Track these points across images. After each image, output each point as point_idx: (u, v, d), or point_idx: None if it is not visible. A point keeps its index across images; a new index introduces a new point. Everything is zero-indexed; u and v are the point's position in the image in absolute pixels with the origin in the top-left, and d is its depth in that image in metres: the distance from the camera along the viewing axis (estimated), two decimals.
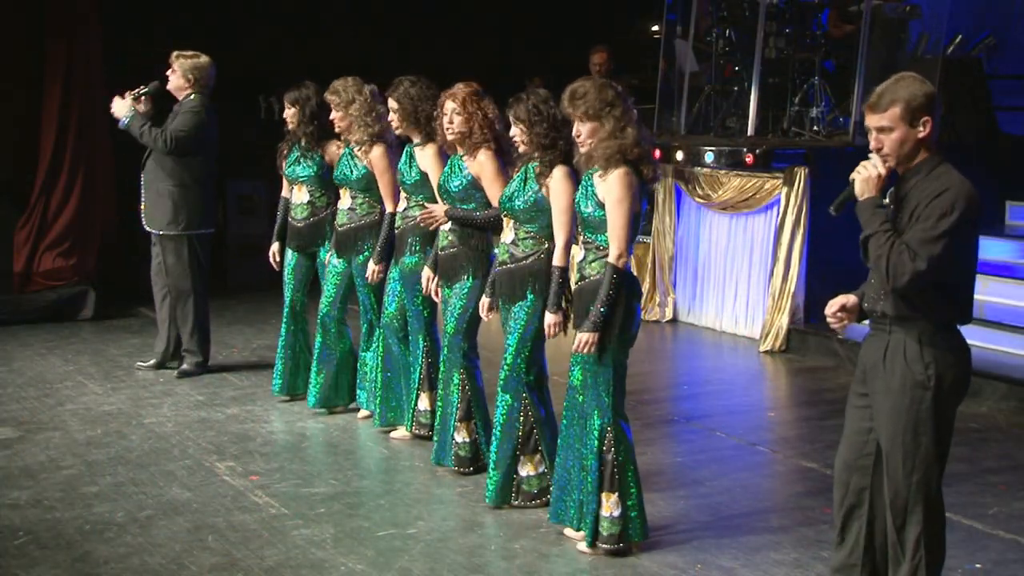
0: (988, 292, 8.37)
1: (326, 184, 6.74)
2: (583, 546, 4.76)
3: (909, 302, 3.80)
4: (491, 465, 5.26)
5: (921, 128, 3.79)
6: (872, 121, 3.81)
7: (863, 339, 4.05)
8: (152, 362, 7.71)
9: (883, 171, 3.80)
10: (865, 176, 3.80)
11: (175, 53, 7.32)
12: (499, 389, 5.23)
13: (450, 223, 5.54)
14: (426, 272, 5.76)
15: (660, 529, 5.00)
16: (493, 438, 5.30)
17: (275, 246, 6.96)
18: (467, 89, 5.45)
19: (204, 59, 7.33)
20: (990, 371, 7.34)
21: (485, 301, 5.32)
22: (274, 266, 7.01)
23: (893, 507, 3.94)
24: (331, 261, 6.56)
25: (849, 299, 4.02)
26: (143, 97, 7.34)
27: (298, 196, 6.82)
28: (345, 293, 6.57)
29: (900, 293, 3.77)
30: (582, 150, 4.64)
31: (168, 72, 7.30)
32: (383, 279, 6.30)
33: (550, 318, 4.91)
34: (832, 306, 4.01)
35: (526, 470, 5.24)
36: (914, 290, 3.74)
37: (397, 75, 6.00)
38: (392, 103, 5.91)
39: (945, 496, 5.47)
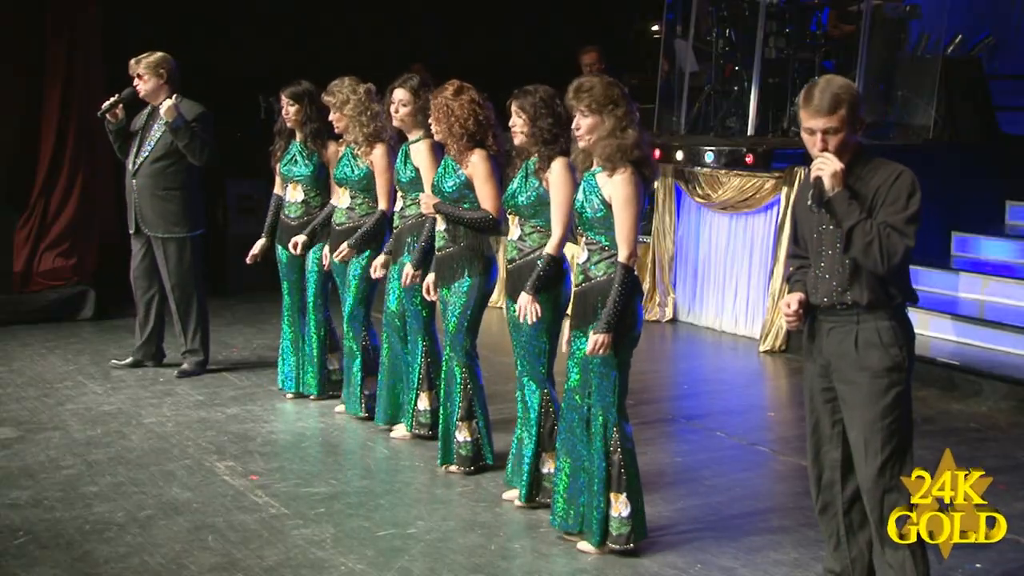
0: (988, 292, 8.39)
1: (321, 184, 6.78)
2: (585, 545, 4.75)
3: (883, 288, 3.91)
4: (524, 466, 5.20)
5: (858, 129, 3.94)
6: (818, 123, 3.89)
7: (817, 334, 4.07)
8: (128, 360, 7.74)
9: (842, 164, 3.88)
10: (831, 171, 3.87)
11: (134, 60, 7.29)
12: (518, 387, 5.22)
13: (444, 224, 5.54)
14: (407, 268, 5.80)
15: (660, 529, 5.00)
16: (518, 436, 5.26)
17: (261, 242, 6.98)
18: (444, 91, 5.44)
19: (165, 53, 7.33)
20: (990, 371, 7.35)
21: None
22: (247, 259, 7.03)
23: (870, 497, 3.96)
24: (335, 264, 6.56)
25: (800, 296, 4.08)
26: (119, 106, 7.33)
27: (292, 194, 6.84)
28: (370, 292, 6.54)
29: (884, 274, 3.86)
30: (580, 144, 4.64)
31: (136, 80, 7.27)
32: (373, 280, 6.35)
33: (524, 298, 4.90)
34: (792, 304, 4.05)
35: (548, 467, 5.18)
36: (898, 270, 3.86)
37: (397, 75, 6.00)
38: (405, 94, 5.89)
39: None
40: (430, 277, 5.72)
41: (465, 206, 5.49)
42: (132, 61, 7.31)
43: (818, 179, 3.89)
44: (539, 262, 4.96)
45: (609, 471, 4.67)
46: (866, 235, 3.82)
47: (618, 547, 4.69)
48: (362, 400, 6.56)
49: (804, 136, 3.97)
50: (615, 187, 4.52)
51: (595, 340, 4.53)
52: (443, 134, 5.43)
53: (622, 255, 4.53)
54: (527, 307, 4.91)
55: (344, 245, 6.33)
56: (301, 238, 6.71)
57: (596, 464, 4.68)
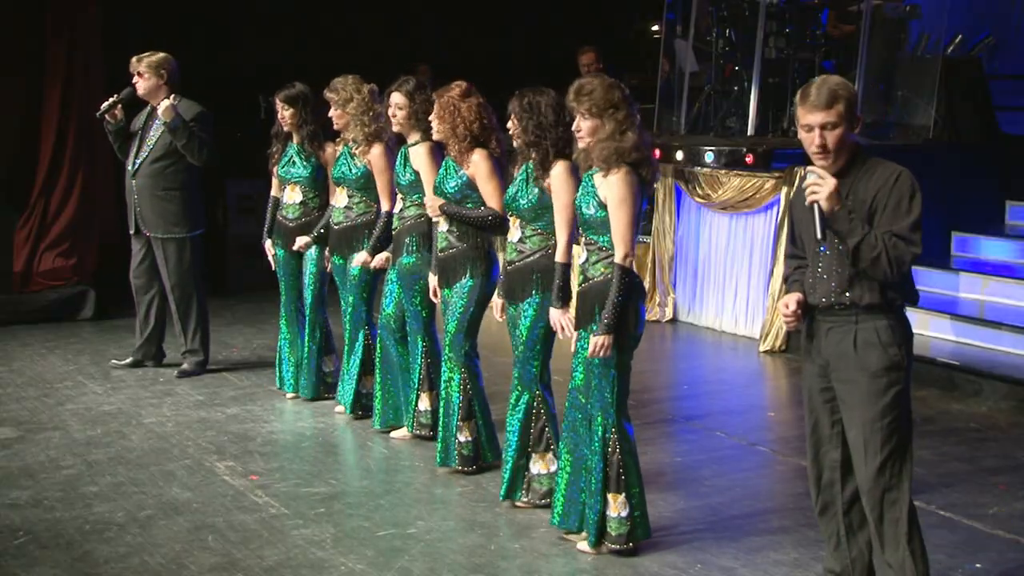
0: (988, 292, 8.39)
1: (319, 185, 6.80)
2: (584, 546, 4.76)
3: (883, 288, 3.91)
4: (506, 462, 5.24)
5: (855, 127, 3.94)
6: (817, 118, 3.89)
7: (815, 334, 4.07)
8: (128, 360, 7.75)
9: (835, 181, 3.85)
10: (827, 192, 3.83)
11: (135, 58, 7.30)
12: (512, 387, 5.23)
13: (447, 225, 5.54)
14: (432, 280, 5.74)
15: (660, 529, 5.00)
16: (507, 435, 5.29)
17: (267, 242, 7.01)
18: (451, 91, 5.44)
19: (167, 54, 7.34)
20: (990, 371, 7.35)
21: (497, 302, 5.31)
22: (271, 262, 7.04)
23: (869, 497, 3.97)
24: (336, 263, 6.56)
25: (798, 296, 4.07)
26: (118, 106, 7.34)
27: (291, 196, 6.85)
28: (371, 292, 6.55)
29: (893, 281, 3.86)
30: (580, 146, 4.65)
31: (136, 79, 7.27)
32: (374, 278, 6.38)
33: (554, 314, 4.90)
34: (791, 305, 4.05)
35: (537, 468, 5.23)
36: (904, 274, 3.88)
37: (397, 75, 6.01)
38: (401, 99, 5.89)
39: (945, 496, 5.52)
40: (434, 279, 5.72)
41: (468, 206, 5.49)
42: (134, 59, 7.31)
43: (815, 205, 3.84)
44: (555, 275, 4.93)
45: (607, 471, 4.67)
46: (873, 249, 3.80)
47: (616, 547, 4.69)
48: (359, 400, 6.56)
49: (801, 134, 3.96)
50: (610, 187, 4.52)
51: (595, 342, 4.54)
52: (446, 134, 5.43)
53: (618, 256, 4.53)
54: (560, 320, 4.88)
55: (363, 253, 6.31)
56: (305, 239, 6.72)
57: (595, 464, 4.68)
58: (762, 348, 8.65)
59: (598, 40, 10.94)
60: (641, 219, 4.64)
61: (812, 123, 3.89)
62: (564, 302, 4.88)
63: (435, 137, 5.53)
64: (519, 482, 5.26)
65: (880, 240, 3.79)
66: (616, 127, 4.53)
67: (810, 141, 3.92)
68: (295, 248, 6.78)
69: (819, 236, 3.90)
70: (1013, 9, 11.20)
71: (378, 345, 6.30)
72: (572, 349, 4.80)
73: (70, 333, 8.86)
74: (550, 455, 5.22)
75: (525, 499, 5.25)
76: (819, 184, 3.84)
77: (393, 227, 6.08)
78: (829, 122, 3.87)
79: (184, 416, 6.70)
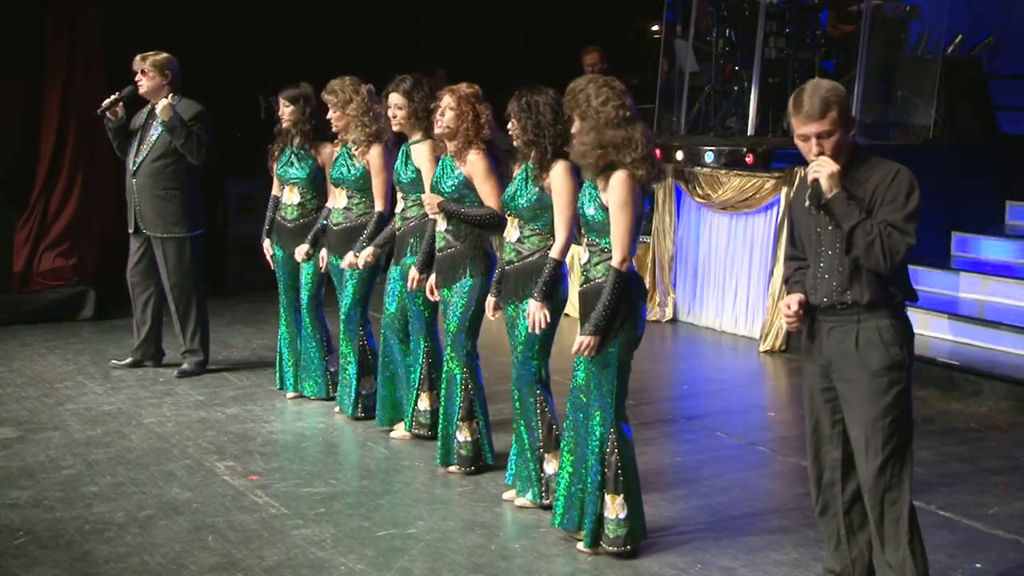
0: (988, 292, 8.39)
1: (317, 186, 6.81)
2: (582, 546, 4.76)
3: (883, 287, 3.93)
4: (530, 466, 5.21)
5: (851, 128, 3.95)
6: (812, 128, 3.90)
7: (816, 334, 4.08)
8: (128, 360, 7.75)
9: (838, 166, 3.89)
10: (828, 172, 3.88)
11: (139, 56, 7.30)
12: (512, 387, 5.22)
13: (445, 224, 5.54)
14: (413, 272, 5.77)
15: (660, 529, 5.00)
16: (515, 438, 5.27)
17: (267, 242, 7.01)
18: (468, 90, 5.46)
19: (171, 55, 7.35)
20: (990, 371, 7.34)
21: (491, 300, 5.32)
22: (269, 263, 7.04)
23: (870, 496, 3.97)
24: (334, 264, 6.56)
25: (800, 297, 4.08)
26: (120, 104, 7.33)
27: (289, 197, 6.86)
28: (366, 292, 6.55)
29: (886, 273, 3.88)
30: (577, 147, 4.65)
31: (139, 77, 7.27)
32: (370, 279, 6.41)
33: (532, 305, 4.92)
34: (792, 305, 4.05)
35: (552, 467, 5.18)
36: (898, 268, 3.89)
37: (396, 75, 6.01)
38: (400, 99, 5.90)
39: (945, 496, 5.52)
40: (433, 278, 5.72)
41: (466, 204, 5.49)
42: (138, 57, 7.31)
43: (815, 181, 3.90)
44: (544, 268, 4.95)
45: (605, 472, 4.67)
46: (867, 235, 3.83)
47: (614, 549, 4.68)
48: (359, 401, 6.56)
49: (799, 143, 3.97)
50: (610, 191, 4.52)
51: (580, 341, 4.56)
52: (453, 130, 5.41)
53: (615, 259, 4.53)
54: (536, 314, 4.91)
55: (350, 255, 6.32)
56: (305, 247, 6.73)
57: (592, 465, 4.68)
58: (762, 348, 8.65)
59: (598, 40, 10.94)
60: (643, 220, 4.64)
61: (808, 133, 3.91)
62: (546, 296, 4.90)
63: (438, 131, 5.49)
64: (540, 484, 5.22)
65: (875, 228, 3.83)
66: (607, 125, 4.52)
67: (807, 150, 3.94)
68: (296, 258, 6.77)
69: (807, 204, 3.93)
70: (1013, 9, 11.20)
71: (382, 344, 6.29)
72: (573, 349, 4.80)
73: (70, 333, 8.86)
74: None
75: (547, 500, 5.20)
76: (823, 164, 3.88)
77: (397, 228, 6.09)
78: (825, 131, 3.89)
79: (184, 416, 6.70)
